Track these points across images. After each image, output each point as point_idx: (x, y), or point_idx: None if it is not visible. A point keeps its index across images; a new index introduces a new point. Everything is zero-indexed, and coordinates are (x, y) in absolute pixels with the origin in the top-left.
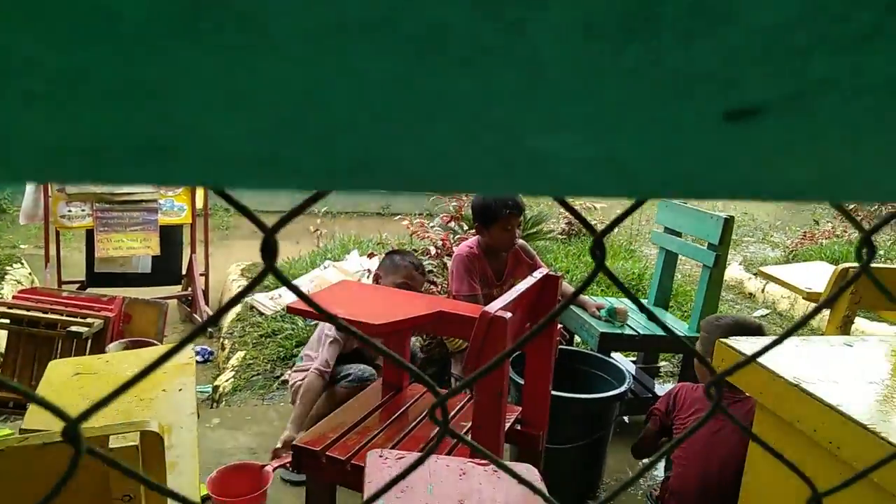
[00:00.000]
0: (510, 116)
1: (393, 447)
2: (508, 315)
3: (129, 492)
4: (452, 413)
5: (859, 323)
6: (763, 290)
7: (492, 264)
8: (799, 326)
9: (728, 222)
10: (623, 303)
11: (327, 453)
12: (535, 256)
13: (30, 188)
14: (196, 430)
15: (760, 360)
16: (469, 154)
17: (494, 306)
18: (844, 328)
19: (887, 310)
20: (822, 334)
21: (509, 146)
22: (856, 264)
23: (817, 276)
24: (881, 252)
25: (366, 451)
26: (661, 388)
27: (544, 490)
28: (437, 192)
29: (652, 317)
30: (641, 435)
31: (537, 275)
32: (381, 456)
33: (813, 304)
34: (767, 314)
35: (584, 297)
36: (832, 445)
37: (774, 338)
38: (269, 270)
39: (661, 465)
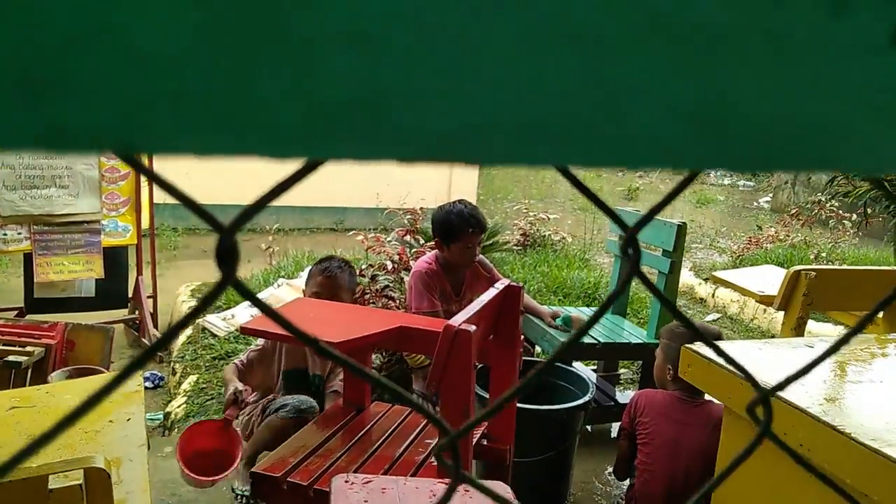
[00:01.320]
0: None
1: (356, 470)
2: (473, 328)
3: None
4: (418, 430)
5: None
6: (713, 295)
7: (450, 280)
8: (845, 342)
9: (681, 229)
10: (581, 311)
11: (288, 479)
12: (493, 269)
13: None
14: (147, 462)
15: (724, 364)
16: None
17: (458, 319)
18: (799, 329)
19: (837, 310)
20: (772, 336)
21: None
22: (808, 266)
23: (767, 279)
24: (822, 254)
25: (329, 475)
26: (623, 396)
27: None
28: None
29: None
30: (617, 455)
31: (499, 286)
32: (346, 481)
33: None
34: (718, 318)
35: (540, 307)
36: (803, 448)
37: (816, 356)
38: (228, 282)
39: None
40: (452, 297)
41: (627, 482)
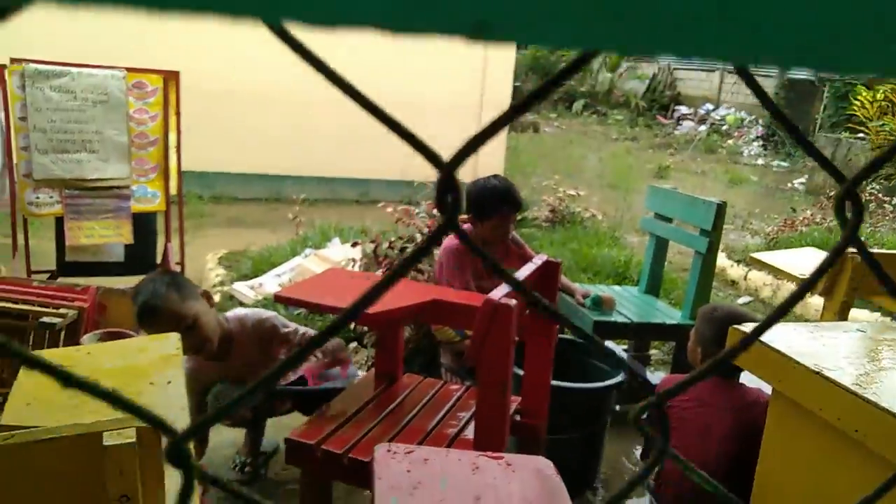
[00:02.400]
0: None
1: (390, 440)
2: (513, 302)
3: (126, 492)
4: (450, 403)
5: None
6: (746, 278)
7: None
8: (796, 301)
9: (720, 207)
10: (612, 290)
11: (322, 447)
12: (525, 246)
13: None
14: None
15: (778, 346)
16: None
17: (497, 294)
18: (843, 314)
19: (880, 295)
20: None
21: None
22: (854, 250)
23: (808, 261)
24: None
25: (363, 444)
26: (654, 377)
27: (560, 483)
28: None
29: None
30: (645, 439)
31: (537, 261)
32: (388, 450)
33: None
34: (750, 301)
35: (572, 284)
36: (858, 434)
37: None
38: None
39: None
40: (484, 273)
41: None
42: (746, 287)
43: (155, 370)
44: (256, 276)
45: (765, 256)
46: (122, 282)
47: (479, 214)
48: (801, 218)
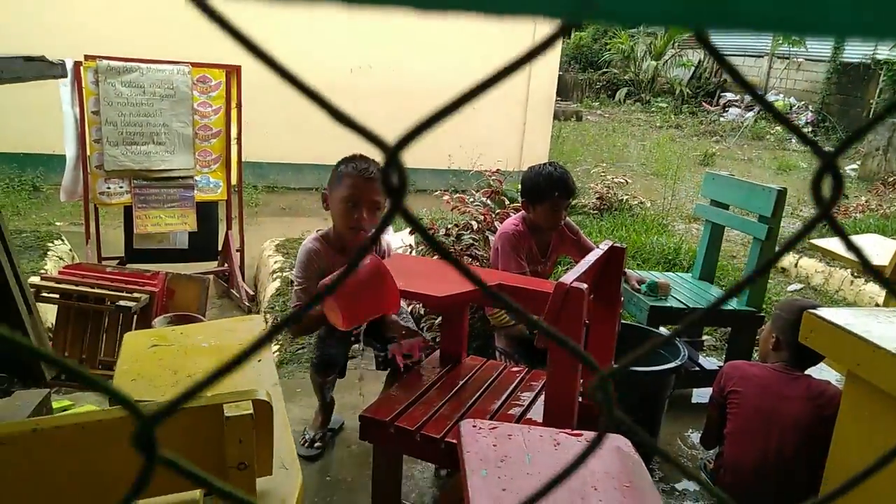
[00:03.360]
0: None
1: (460, 418)
2: (584, 286)
3: (243, 459)
4: (513, 386)
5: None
6: (796, 265)
7: (537, 241)
8: (781, 255)
9: (781, 194)
10: (666, 276)
11: (395, 423)
12: (580, 232)
13: (69, 165)
14: (283, 401)
15: (856, 330)
16: None
17: (569, 277)
18: None
19: None
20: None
21: None
22: None
23: (872, 248)
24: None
25: (433, 422)
26: (707, 362)
27: (639, 459)
28: None
29: None
30: (706, 424)
31: (603, 247)
32: (474, 426)
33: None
34: (801, 288)
35: (627, 271)
36: None
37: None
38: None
39: None
40: (539, 258)
41: (716, 450)
42: (797, 274)
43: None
44: None
45: (825, 242)
46: (185, 268)
47: (532, 200)
48: (854, 205)
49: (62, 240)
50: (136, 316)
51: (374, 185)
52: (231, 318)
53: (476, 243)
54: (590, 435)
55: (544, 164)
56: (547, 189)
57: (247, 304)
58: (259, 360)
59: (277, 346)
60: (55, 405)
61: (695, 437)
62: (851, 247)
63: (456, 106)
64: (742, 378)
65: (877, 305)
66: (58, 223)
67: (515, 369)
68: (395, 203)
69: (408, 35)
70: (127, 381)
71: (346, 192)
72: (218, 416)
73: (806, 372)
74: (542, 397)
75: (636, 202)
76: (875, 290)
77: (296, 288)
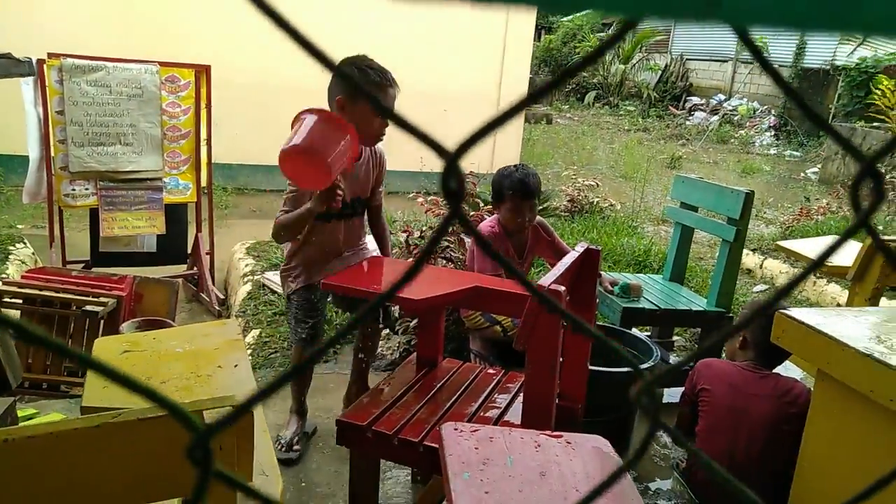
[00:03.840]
0: None
1: (437, 421)
2: (562, 288)
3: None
4: (489, 389)
5: None
6: (761, 266)
7: (513, 242)
8: (805, 276)
9: (749, 197)
10: (638, 278)
11: (373, 427)
12: (554, 234)
13: (33, 167)
14: (260, 406)
15: (825, 330)
16: None
17: (546, 280)
18: (874, 300)
19: None
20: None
21: None
22: (889, 237)
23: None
24: (879, 227)
25: (411, 426)
26: (679, 360)
27: (619, 460)
28: None
29: None
30: (677, 421)
31: (579, 249)
32: (455, 429)
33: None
34: (766, 289)
35: (601, 273)
36: (893, 403)
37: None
38: (455, 216)
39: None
40: (515, 259)
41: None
42: (762, 275)
43: (221, 354)
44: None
45: (791, 244)
46: (153, 272)
47: (495, 200)
48: (816, 207)
49: (24, 243)
50: (102, 321)
51: (395, 93)
52: (205, 323)
53: (451, 245)
54: (570, 436)
55: (514, 165)
56: (504, 189)
57: (217, 307)
58: (235, 366)
59: (250, 351)
60: (20, 413)
61: (667, 436)
62: (884, 250)
63: (512, 113)
64: (713, 376)
65: (838, 305)
66: (19, 226)
67: (491, 371)
68: (454, 208)
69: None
70: (98, 388)
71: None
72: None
73: (774, 370)
74: (519, 399)
75: (606, 205)
76: (836, 290)
77: (286, 196)
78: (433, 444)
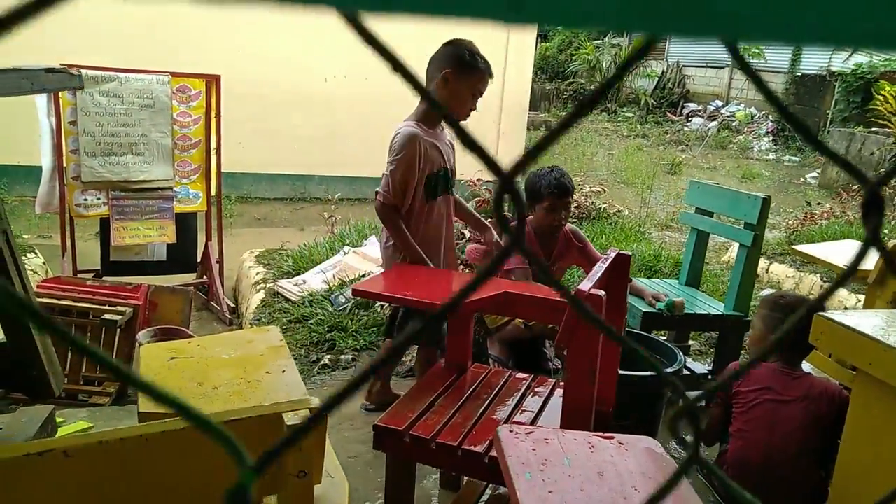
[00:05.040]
0: None
1: (473, 425)
2: (602, 293)
3: (303, 468)
4: (519, 394)
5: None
6: (767, 270)
7: (542, 245)
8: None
9: (766, 202)
10: (655, 284)
11: (411, 432)
12: (587, 242)
13: (45, 176)
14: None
15: (866, 331)
16: None
17: (586, 285)
18: (894, 304)
19: None
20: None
21: None
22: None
23: (851, 254)
24: (885, 231)
25: (447, 430)
26: (695, 366)
27: (672, 460)
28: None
29: None
30: (707, 422)
31: (611, 254)
32: (511, 431)
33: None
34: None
35: (640, 285)
36: None
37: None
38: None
39: None
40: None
41: (717, 448)
42: (768, 280)
43: (267, 360)
44: (298, 273)
45: (807, 248)
46: (164, 281)
47: (530, 200)
48: (819, 212)
49: (35, 253)
50: (119, 330)
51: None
52: (248, 329)
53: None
54: (622, 437)
55: (547, 166)
56: (539, 188)
57: (228, 316)
58: (283, 371)
59: None
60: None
61: (688, 437)
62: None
63: (565, 127)
64: (747, 378)
65: (846, 308)
66: (25, 236)
67: (520, 376)
68: (518, 234)
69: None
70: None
71: (476, 85)
72: (277, 424)
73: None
74: (551, 403)
75: (613, 211)
76: (843, 294)
77: (387, 171)
78: (471, 448)
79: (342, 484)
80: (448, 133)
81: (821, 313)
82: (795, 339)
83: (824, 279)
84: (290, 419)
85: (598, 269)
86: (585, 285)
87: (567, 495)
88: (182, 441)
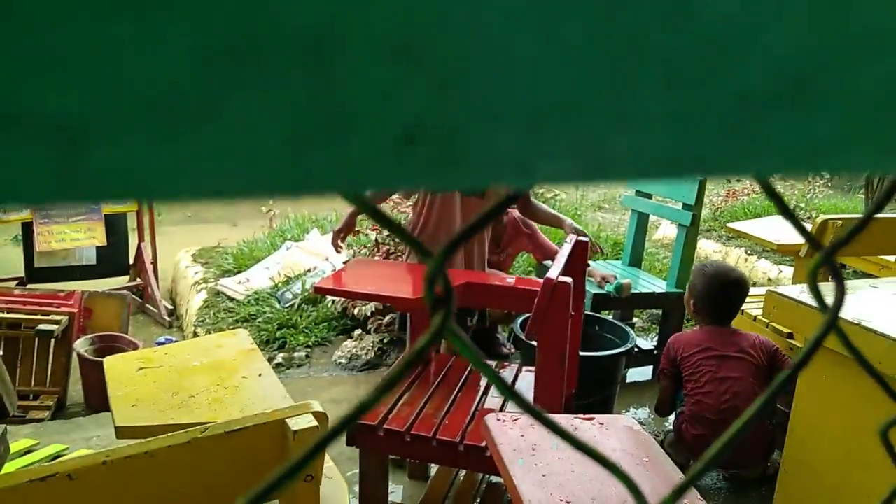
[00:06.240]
0: None
1: (445, 415)
2: (570, 281)
3: (310, 472)
4: (484, 379)
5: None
6: (696, 247)
7: (492, 232)
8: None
9: (702, 183)
10: (598, 265)
11: (384, 426)
12: (535, 228)
13: None
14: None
15: (811, 303)
16: None
17: (554, 273)
18: (823, 276)
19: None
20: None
21: None
22: (835, 215)
23: (780, 229)
24: (801, 205)
25: (420, 421)
26: (642, 343)
27: (649, 436)
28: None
29: None
30: (659, 395)
31: (570, 240)
32: (498, 419)
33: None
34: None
35: (592, 267)
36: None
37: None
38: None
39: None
40: (493, 248)
41: (672, 417)
42: (697, 255)
43: (240, 364)
44: (240, 271)
45: (740, 226)
46: (96, 285)
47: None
48: (740, 188)
49: None
50: (54, 340)
51: None
52: (216, 334)
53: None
54: (601, 417)
55: None
56: None
57: (167, 318)
58: (260, 375)
59: None
60: (13, 447)
61: (641, 412)
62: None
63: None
64: (688, 344)
65: (769, 280)
66: None
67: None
68: (443, 321)
69: None
70: (127, 407)
71: None
72: (281, 430)
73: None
74: (517, 387)
75: (551, 195)
76: (767, 266)
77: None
78: (445, 438)
79: (341, 484)
80: None
81: (773, 290)
82: (721, 304)
83: (748, 252)
84: (296, 425)
85: (563, 256)
86: (553, 273)
87: (560, 477)
88: (187, 454)
